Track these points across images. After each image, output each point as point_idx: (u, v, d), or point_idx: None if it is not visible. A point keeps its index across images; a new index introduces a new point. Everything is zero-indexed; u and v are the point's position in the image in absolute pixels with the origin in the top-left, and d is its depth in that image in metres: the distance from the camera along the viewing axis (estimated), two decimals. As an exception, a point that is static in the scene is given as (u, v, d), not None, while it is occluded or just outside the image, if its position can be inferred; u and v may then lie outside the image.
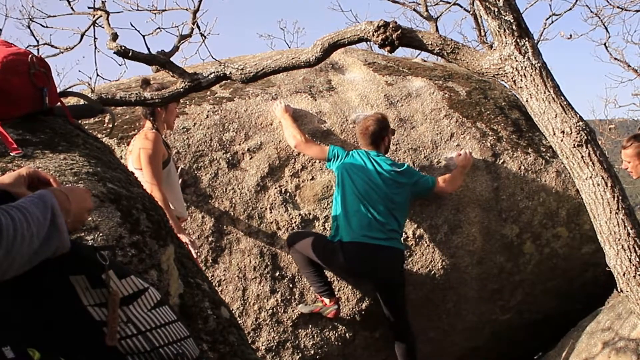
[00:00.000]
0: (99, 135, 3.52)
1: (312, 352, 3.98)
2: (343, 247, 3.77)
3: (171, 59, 3.84)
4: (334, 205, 3.93)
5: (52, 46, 4.48)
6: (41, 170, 1.29)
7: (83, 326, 1.11)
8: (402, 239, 3.96)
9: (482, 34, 7.95)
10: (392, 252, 3.83)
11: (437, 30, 6.71)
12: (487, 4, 2.50)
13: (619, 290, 2.58)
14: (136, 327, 1.17)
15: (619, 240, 2.40)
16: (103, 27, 3.31)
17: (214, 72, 3.11)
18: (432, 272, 4.20)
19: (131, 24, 3.33)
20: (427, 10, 6.85)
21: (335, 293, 3.96)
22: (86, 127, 2.56)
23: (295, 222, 4.02)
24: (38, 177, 1.22)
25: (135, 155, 3.40)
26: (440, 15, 7.16)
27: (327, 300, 3.89)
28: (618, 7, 8.19)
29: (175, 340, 1.22)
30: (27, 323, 1.06)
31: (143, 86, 3.48)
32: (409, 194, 3.95)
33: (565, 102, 2.50)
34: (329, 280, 3.95)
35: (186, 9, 4.93)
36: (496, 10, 2.48)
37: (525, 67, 2.50)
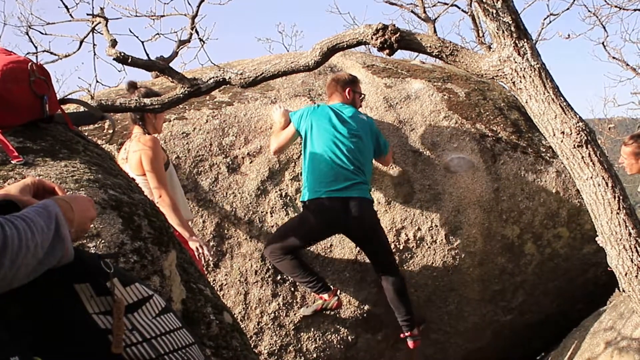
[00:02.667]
0: (99, 142, 3.52)
1: (315, 355, 3.98)
2: (310, 207, 3.79)
3: (170, 64, 3.84)
4: (303, 169, 3.92)
5: (51, 53, 4.48)
6: (45, 178, 1.29)
7: (88, 334, 1.11)
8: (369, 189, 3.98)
9: (480, 34, 7.95)
10: (362, 201, 3.83)
11: (435, 31, 6.68)
12: (485, 5, 2.50)
13: (621, 290, 2.58)
14: (141, 335, 1.17)
15: (620, 240, 2.40)
16: (102, 34, 3.31)
17: (213, 77, 3.12)
18: (434, 274, 4.20)
19: (130, 30, 3.34)
20: (424, 12, 6.82)
21: (337, 294, 3.95)
22: (86, 134, 2.57)
23: (296, 226, 4.01)
24: (43, 186, 1.22)
25: (134, 162, 3.33)
26: (438, 16, 7.13)
27: (325, 296, 3.88)
28: (616, 6, 8.20)
29: (180, 347, 1.22)
30: (33, 332, 1.06)
31: (130, 90, 3.44)
32: (373, 144, 3.99)
33: (564, 103, 2.50)
34: (320, 276, 3.94)
35: (185, 15, 4.94)
36: (494, 12, 2.49)
37: (525, 69, 2.50)
